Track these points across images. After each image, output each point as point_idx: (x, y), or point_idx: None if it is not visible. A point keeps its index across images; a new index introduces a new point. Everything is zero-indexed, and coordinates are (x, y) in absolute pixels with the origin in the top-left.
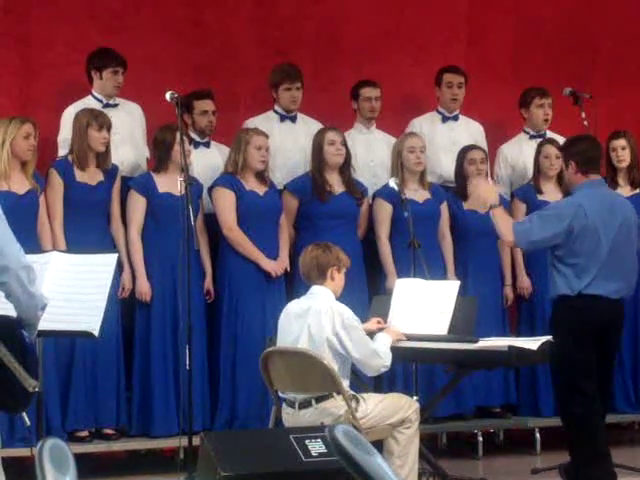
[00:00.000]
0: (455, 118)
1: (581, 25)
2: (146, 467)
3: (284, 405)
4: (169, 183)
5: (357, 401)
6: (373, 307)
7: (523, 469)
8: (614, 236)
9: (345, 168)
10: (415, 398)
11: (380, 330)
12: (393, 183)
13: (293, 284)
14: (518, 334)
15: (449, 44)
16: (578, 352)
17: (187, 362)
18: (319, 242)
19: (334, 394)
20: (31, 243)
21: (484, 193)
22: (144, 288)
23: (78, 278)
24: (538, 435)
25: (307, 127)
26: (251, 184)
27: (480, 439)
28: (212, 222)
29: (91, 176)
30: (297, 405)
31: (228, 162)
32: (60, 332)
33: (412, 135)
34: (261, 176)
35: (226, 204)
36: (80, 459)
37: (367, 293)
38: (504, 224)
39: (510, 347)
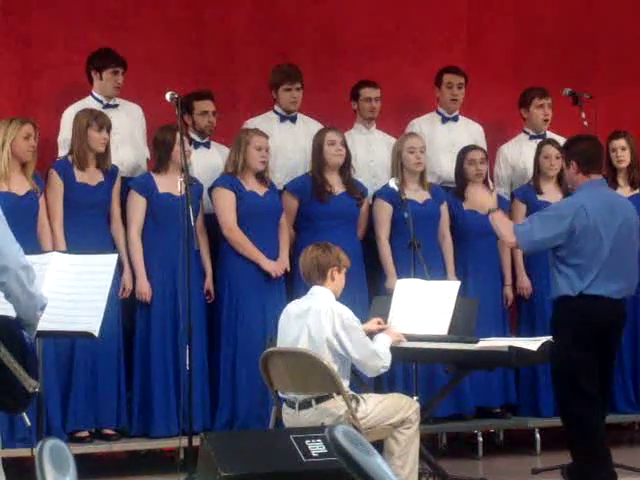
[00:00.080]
0: (455, 119)
1: (581, 25)
2: (146, 467)
3: (284, 405)
4: (169, 183)
5: (357, 401)
6: (373, 307)
7: (523, 469)
8: (615, 236)
9: (345, 168)
10: (415, 398)
11: (380, 331)
12: (393, 183)
13: (293, 284)
14: (518, 334)
15: (449, 44)
16: (579, 352)
17: (187, 362)
18: (319, 242)
19: (334, 394)
20: (31, 244)
21: (481, 199)
22: (144, 288)
23: (78, 279)
24: (538, 435)
25: (307, 127)
26: (251, 185)
27: (480, 439)
28: (212, 222)
29: (91, 177)
30: (297, 405)
31: (228, 162)
32: (60, 333)
33: (412, 135)
34: (261, 177)
35: (226, 204)
36: (80, 459)
37: (367, 293)
38: (504, 226)
39: (510, 347)
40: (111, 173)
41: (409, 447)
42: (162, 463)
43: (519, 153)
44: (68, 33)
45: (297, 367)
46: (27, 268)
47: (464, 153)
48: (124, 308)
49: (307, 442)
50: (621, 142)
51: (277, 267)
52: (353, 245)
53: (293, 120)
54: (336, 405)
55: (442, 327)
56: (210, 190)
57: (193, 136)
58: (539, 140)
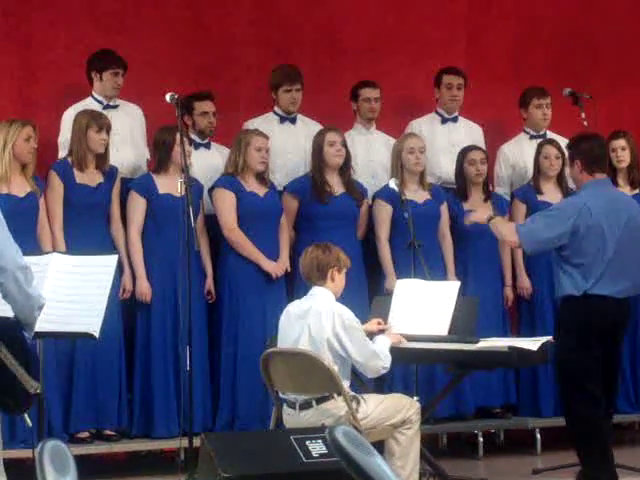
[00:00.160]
0: (454, 119)
1: (581, 25)
2: (147, 468)
3: (285, 406)
4: (169, 184)
5: (358, 402)
6: (373, 308)
7: (524, 469)
8: (620, 235)
9: (345, 169)
10: (416, 399)
11: (380, 331)
12: (393, 184)
13: (293, 285)
14: (518, 334)
15: (449, 45)
16: (583, 352)
17: (187, 363)
18: (319, 243)
19: (335, 395)
20: (31, 245)
21: (475, 218)
22: (144, 289)
23: (78, 279)
24: (539, 435)
25: (307, 128)
26: (251, 185)
27: (480, 439)
28: (212, 223)
29: (91, 178)
30: (298, 406)
31: (228, 163)
32: (60, 333)
33: (411, 136)
34: (261, 177)
35: (226, 205)
36: (81, 460)
37: (367, 294)
38: (504, 227)
39: (510, 347)
40: (111, 174)
41: (410, 447)
42: (163, 464)
43: (519, 153)
44: (68, 34)
45: (297, 368)
46: (25, 269)
47: (464, 153)
48: (124, 309)
49: (307, 442)
50: (621, 142)
51: (277, 267)
52: (353, 245)
53: (293, 121)
54: (336, 406)
55: (442, 327)
56: (210, 191)
57: (193, 137)
58: (539, 140)
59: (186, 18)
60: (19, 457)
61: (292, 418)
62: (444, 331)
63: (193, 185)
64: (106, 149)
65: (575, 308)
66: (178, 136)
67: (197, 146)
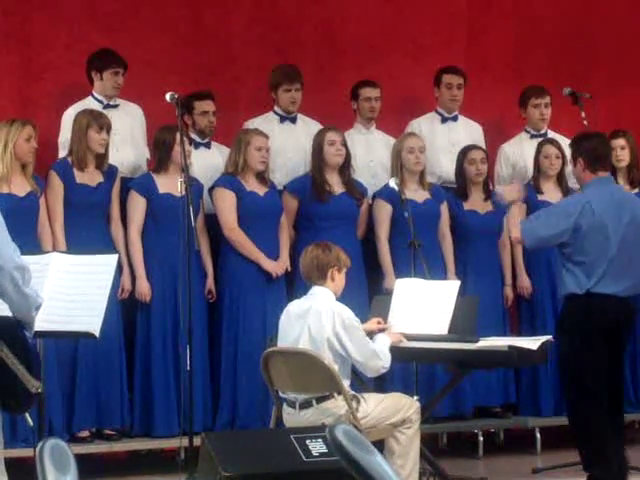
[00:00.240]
0: (454, 119)
1: (581, 25)
2: (147, 467)
3: (285, 405)
4: (169, 184)
5: (358, 401)
6: (373, 307)
7: (524, 469)
8: (623, 233)
9: (345, 168)
10: (415, 398)
11: (380, 330)
12: (393, 183)
13: (294, 284)
14: (518, 334)
15: (449, 44)
16: (585, 351)
17: (188, 362)
18: (319, 242)
19: (335, 394)
20: (32, 244)
21: (505, 193)
22: (144, 289)
23: (78, 279)
24: (538, 435)
25: (307, 128)
26: (251, 185)
27: (480, 439)
28: (213, 223)
29: (91, 177)
30: (298, 405)
31: (228, 163)
32: (61, 333)
33: (411, 135)
34: (261, 177)
35: (226, 204)
36: (81, 459)
37: (367, 293)
38: (512, 220)
39: (510, 347)
40: (111, 173)
41: (409, 447)
42: (163, 463)
43: (520, 152)
44: (68, 34)
45: (298, 367)
46: (22, 269)
47: (464, 153)
48: (124, 308)
49: (308, 442)
50: (620, 141)
51: (278, 267)
52: (353, 245)
53: (293, 120)
54: (337, 405)
55: (442, 327)
56: (210, 190)
57: (193, 136)
58: (540, 139)
59: (186, 17)
60: (20, 456)
61: (292, 417)
62: (444, 330)
63: (193, 185)
64: (106, 149)
65: (578, 306)
66: (178, 136)
67: (197, 145)
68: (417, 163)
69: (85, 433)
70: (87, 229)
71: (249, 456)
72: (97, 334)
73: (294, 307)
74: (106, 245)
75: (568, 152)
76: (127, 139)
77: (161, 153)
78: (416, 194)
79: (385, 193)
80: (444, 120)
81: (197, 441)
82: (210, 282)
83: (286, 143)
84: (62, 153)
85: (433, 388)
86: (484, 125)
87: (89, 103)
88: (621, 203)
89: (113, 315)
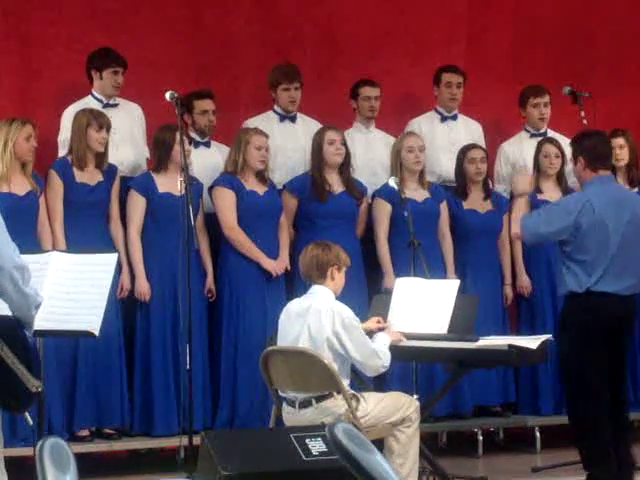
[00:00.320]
0: (454, 117)
1: (580, 24)
2: (147, 466)
3: (284, 404)
4: (169, 183)
5: (357, 400)
6: (373, 306)
7: (523, 468)
8: (624, 232)
9: (345, 167)
10: (415, 397)
11: (380, 329)
12: (393, 182)
13: (293, 283)
14: (518, 333)
15: (448, 43)
16: (585, 350)
17: (187, 362)
18: (319, 241)
19: (334, 393)
20: (31, 243)
21: (517, 183)
22: (143, 288)
23: (78, 278)
24: (538, 434)
25: (307, 127)
26: (251, 184)
27: (480, 438)
28: (212, 222)
29: (90, 176)
30: (297, 404)
31: (228, 162)
32: (60, 332)
33: (411, 134)
34: (261, 176)
35: (226, 204)
36: (81, 458)
37: (366, 292)
38: (514, 215)
39: (510, 346)
40: (110, 172)
41: (409, 445)
42: (163, 462)
43: (519, 151)
44: (68, 33)
45: (297, 366)
46: (22, 268)
47: (464, 152)
48: (124, 308)
49: (307, 441)
50: (620, 140)
51: (277, 266)
52: (352, 244)
53: (293, 119)
54: (336, 404)
55: (442, 326)
56: (210, 189)
57: (193, 135)
58: (540, 138)
59: (186, 17)
60: (20, 455)
61: (292, 416)
62: (444, 329)
63: (193, 184)
64: (105, 148)
65: (578, 305)
66: (178, 135)
67: (197, 145)
68: (417, 162)
69: (85, 432)
70: (87, 228)
71: (249, 455)
72: (97, 333)
73: (294, 306)
74: (106, 244)
75: (568, 151)
76: (127, 138)
77: (161, 152)
78: (416, 193)
79: (385, 192)
80: (444, 119)
81: (197, 440)
82: (210, 281)
83: (286, 142)
84: (62, 152)
85: (433, 387)
86: (484, 124)
87: (89, 102)
88: (622, 202)
89: (113, 314)
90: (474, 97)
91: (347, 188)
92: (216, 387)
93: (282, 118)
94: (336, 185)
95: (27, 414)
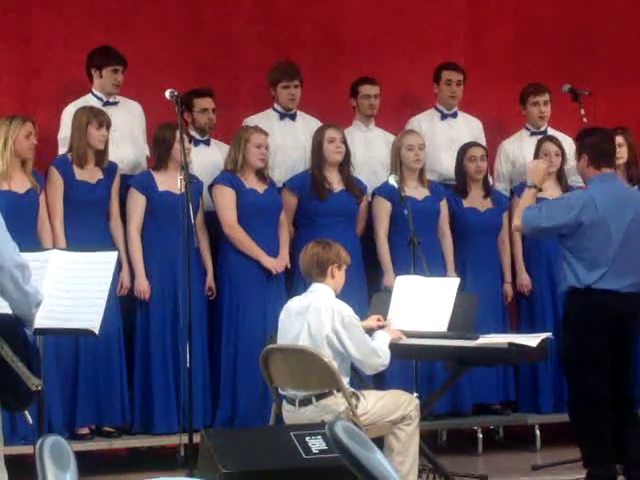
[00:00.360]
0: (454, 115)
1: (580, 22)
2: (147, 464)
3: (284, 402)
4: (169, 181)
5: (357, 398)
6: (373, 304)
7: (523, 466)
8: (626, 230)
9: (345, 166)
10: (415, 395)
11: (380, 327)
12: (393, 180)
13: (293, 281)
14: (518, 331)
15: (448, 42)
16: (588, 348)
17: (187, 360)
18: (320, 239)
19: (334, 391)
20: (31, 241)
21: (532, 170)
22: (143, 287)
23: (78, 276)
24: (538, 432)
25: (307, 125)
26: (251, 182)
27: (480, 436)
28: (212, 220)
29: (91, 174)
30: (297, 402)
31: (228, 160)
32: (60, 330)
33: (411, 133)
34: (261, 174)
35: (226, 202)
36: (81, 456)
37: (366, 290)
38: (519, 207)
39: (510, 344)
40: (110, 170)
41: (409, 443)
42: (163, 460)
43: (520, 149)
44: (68, 31)
45: (297, 364)
46: (22, 267)
47: (464, 150)
48: (124, 306)
49: (307, 439)
50: (619, 139)
51: (277, 264)
52: (352, 242)
53: (293, 117)
54: (336, 402)
55: (442, 324)
56: (210, 187)
57: (193, 134)
58: (540, 137)
59: (186, 15)
60: (20, 453)
61: (292, 414)
62: (443, 327)
63: (193, 182)
64: (106, 145)
65: (579, 303)
66: (178, 133)
67: (197, 143)
68: (416, 160)
69: (85, 430)
70: (87, 226)
71: (249, 453)
72: (97, 331)
73: (294, 304)
74: (106, 242)
75: (568, 150)
76: (127, 136)
77: (161, 150)
78: (415, 191)
79: (384, 190)
80: (444, 117)
81: (197, 438)
82: (210, 279)
83: (286, 140)
84: (62, 150)
85: (433, 385)
86: (484, 122)
87: (89, 100)
88: (625, 200)
89: (113, 312)
90: (474, 95)
91: (347, 186)
92: (216, 385)
93: (282, 116)
94: (336, 183)
95: (27, 412)
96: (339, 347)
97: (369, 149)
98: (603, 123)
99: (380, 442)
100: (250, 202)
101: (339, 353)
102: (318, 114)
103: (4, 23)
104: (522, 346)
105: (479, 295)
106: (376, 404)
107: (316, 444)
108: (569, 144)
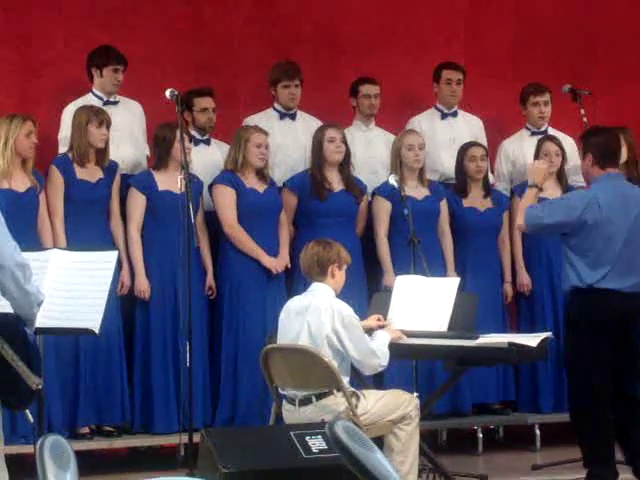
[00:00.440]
0: (454, 114)
1: (580, 22)
2: (147, 464)
3: (284, 402)
4: (169, 181)
5: (357, 398)
6: (373, 304)
7: (523, 465)
8: (630, 230)
9: (345, 165)
10: (415, 395)
11: (380, 327)
12: (393, 180)
13: (293, 281)
14: (518, 331)
15: (448, 41)
16: (590, 347)
17: (187, 359)
18: (320, 239)
19: (334, 391)
20: (32, 240)
21: (533, 171)
22: (143, 286)
23: (78, 275)
24: (538, 431)
25: (307, 124)
26: (251, 182)
27: (480, 435)
28: (212, 219)
29: (91, 173)
30: (297, 402)
31: (228, 160)
32: (61, 329)
33: (411, 132)
34: (261, 174)
35: (226, 201)
36: (81, 456)
37: (366, 290)
38: (521, 206)
39: (510, 344)
40: (111, 169)
41: (409, 443)
42: (163, 460)
43: (520, 149)
44: (68, 31)
45: (297, 363)
46: (23, 266)
47: (464, 150)
48: (124, 305)
49: (307, 438)
50: None
51: (277, 264)
52: (352, 242)
53: (293, 117)
54: (336, 401)
55: (442, 323)
56: (210, 187)
57: (193, 133)
58: (540, 136)
59: (186, 14)
60: (20, 453)
61: (292, 414)
62: (444, 327)
63: (193, 182)
64: (106, 144)
65: (582, 302)
66: (178, 132)
67: (197, 142)
68: (416, 160)
69: (85, 429)
70: (87, 225)
71: (249, 453)
72: (97, 331)
73: (294, 304)
74: (106, 241)
75: (568, 149)
76: (127, 136)
77: (161, 150)
78: (416, 191)
79: (384, 190)
80: (444, 116)
81: (197, 438)
82: (210, 279)
83: (286, 140)
84: (62, 149)
85: (433, 385)
86: (484, 122)
87: (89, 100)
88: (628, 200)
89: (113, 312)
90: (474, 95)
91: (347, 186)
92: (216, 385)
93: (282, 116)
94: (336, 183)
95: (27, 411)
96: (339, 347)
97: (369, 149)
98: (603, 123)
99: (380, 442)
100: (250, 202)
101: (339, 353)
102: (318, 114)
103: (4, 23)
104: (522, 346)
105: (479, 295)
106: (376, 404)
107: (316, 444)
108: (569, 144)
